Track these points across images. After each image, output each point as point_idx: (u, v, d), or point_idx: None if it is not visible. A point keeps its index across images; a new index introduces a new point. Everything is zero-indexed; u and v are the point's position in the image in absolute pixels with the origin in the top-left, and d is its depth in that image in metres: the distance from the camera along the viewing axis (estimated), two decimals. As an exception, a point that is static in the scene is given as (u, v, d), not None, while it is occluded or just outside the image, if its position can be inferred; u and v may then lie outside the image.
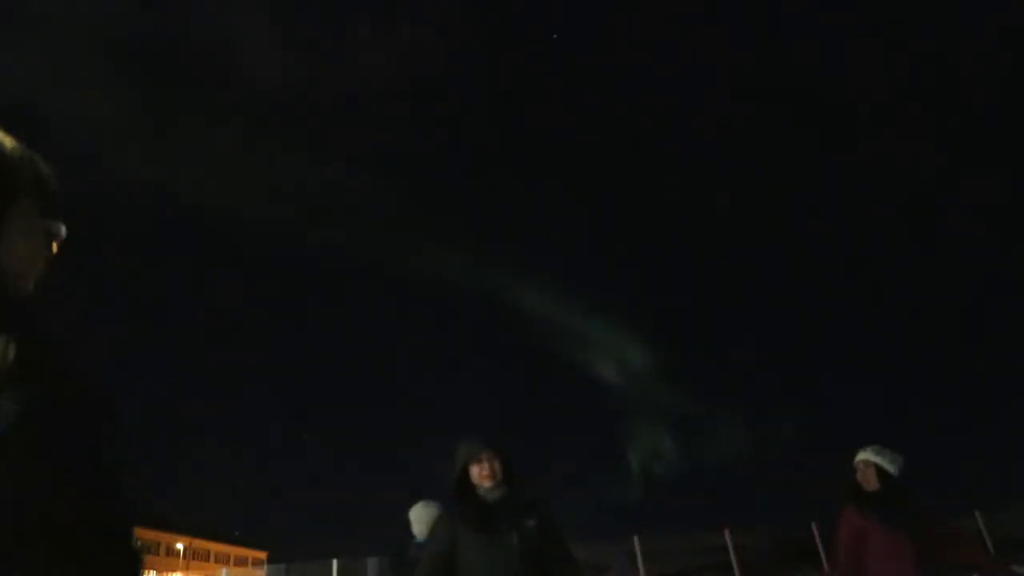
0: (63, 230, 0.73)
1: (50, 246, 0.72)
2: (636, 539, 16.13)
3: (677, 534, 18.23)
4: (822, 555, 15.93)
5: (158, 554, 51.17)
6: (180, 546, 53.10)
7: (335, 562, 17.39)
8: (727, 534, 16.31)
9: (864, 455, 3.13)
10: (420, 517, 3.72)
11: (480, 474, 2.29)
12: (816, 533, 16.22)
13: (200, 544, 54.83)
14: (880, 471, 3.06)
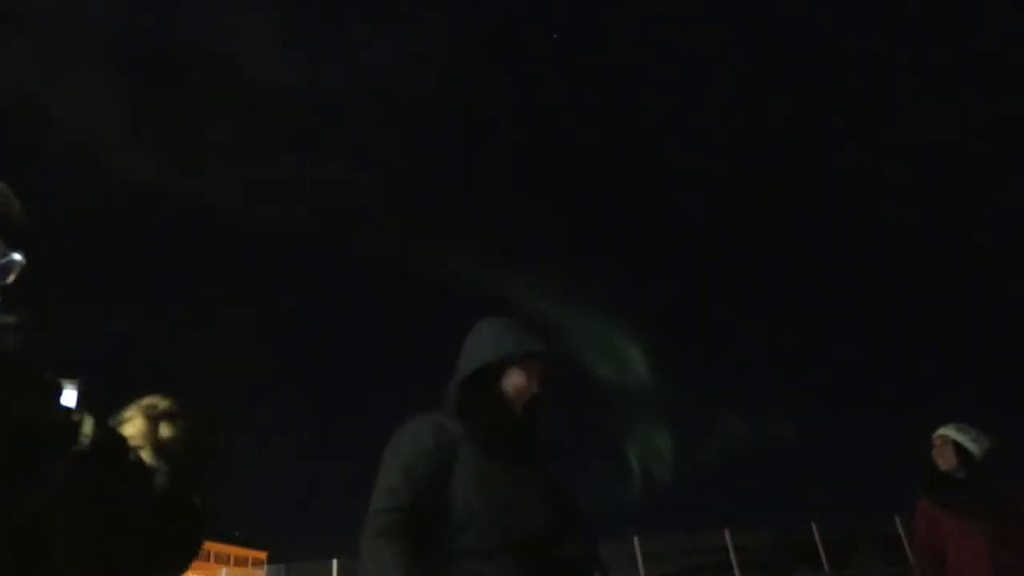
0: (19, 261, 0.78)
1: (5, 276, 0.77)
2: (636, 539, 16.12)
3: (677, 534, 18.23)
4: (822, 555, 15.92)
5: (158, 554, 51.05)
6: (180, 546, 52.94)
7: (335, 562, 17.38)
8: (727, 534, 16.30)
9: (944, 430, 2.80)
10: None
11: (527, 385, 1.51)
12: (816, 533, 16.21)
13: (200, 544, 54.58)
14: (959, 450, 2.74)
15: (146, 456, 0.75)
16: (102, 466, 0.66)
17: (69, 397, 0.85)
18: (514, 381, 1.51)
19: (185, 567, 0.73)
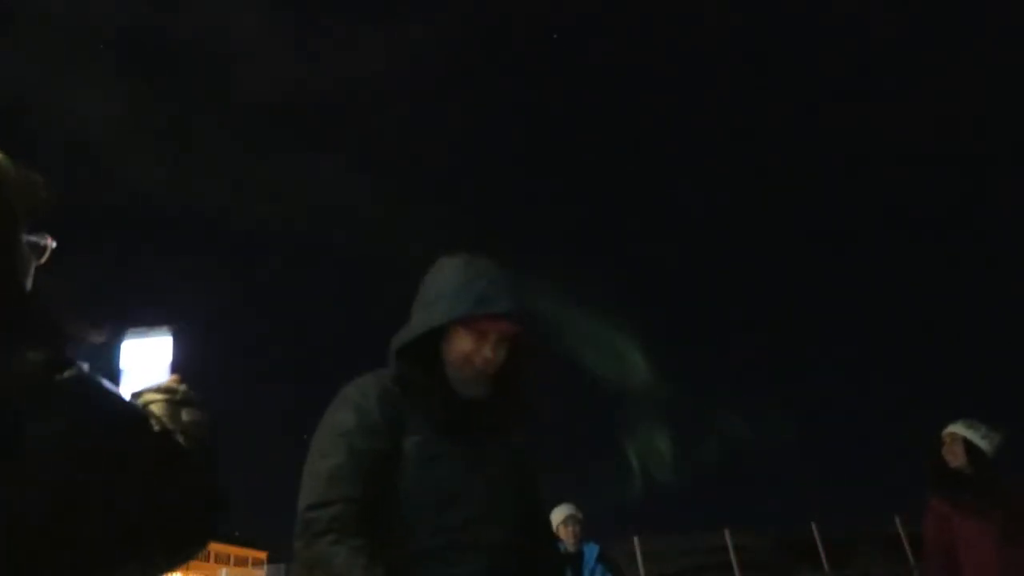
0: (51, 243, 0.81)
1: (38, 260, 0.81)
2: (636, 539, 16.10)
3: (677, 534, 18.22)
4: (822, 555, 15.91)
5: (158, 554, 51.11)
6: (180, 546, 52.99)
7: (335, 562, 17.34)
8: (727, 534, 16.29)
9: (953, 427, 2.74)
10: None
11: (481, 354, 1.20)
12: (816, 533, 16.21)
13: (200, 544, 54.64)
14: (969, 447, 2.67)
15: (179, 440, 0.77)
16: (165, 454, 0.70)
17: (164, 344, 0.93)
18: (460, 346, 1.20)
19: (204, 540, 0.75)
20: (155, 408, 0.79)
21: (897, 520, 15.21)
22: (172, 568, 0.73)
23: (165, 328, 0.94)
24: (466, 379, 1.22)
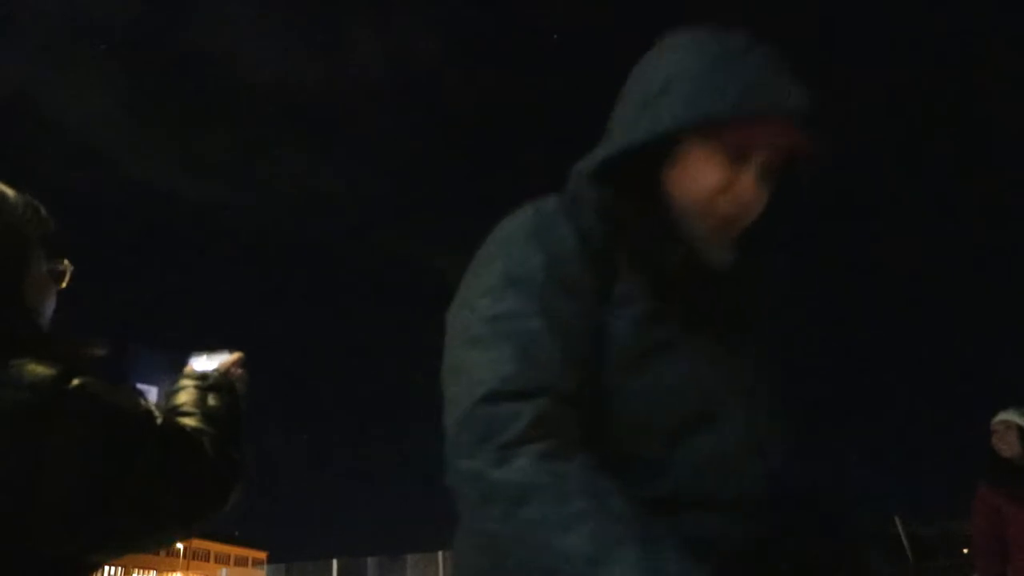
0: (69, 267, 0.88)
1: (59, 284, 0.87)
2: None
3: (677, 534, 18.19)
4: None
5: (158, 554, 51.22)
6: (180, 546, 53.11)
7: (335, 562, 17.38)
8: (727, 534, 16.28)
9: (1004, 415, 2.65)
10: None
11: (738, 188, 0.67)
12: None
13: (200, 544, 54.81)
14: (1023, 435, 2.59)
15: (196, 422, 0.85)
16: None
17: (214, 362, 1.06)
18: (702, 174, 0.69)
19: (223, 503, 0.82)
20: (184, 394, 0.91)
21: (897, 520, 15.20)
22: (190, 533, 0.82)
23: (225, 352, 1.08)
24: (706, 233, 0.70)
